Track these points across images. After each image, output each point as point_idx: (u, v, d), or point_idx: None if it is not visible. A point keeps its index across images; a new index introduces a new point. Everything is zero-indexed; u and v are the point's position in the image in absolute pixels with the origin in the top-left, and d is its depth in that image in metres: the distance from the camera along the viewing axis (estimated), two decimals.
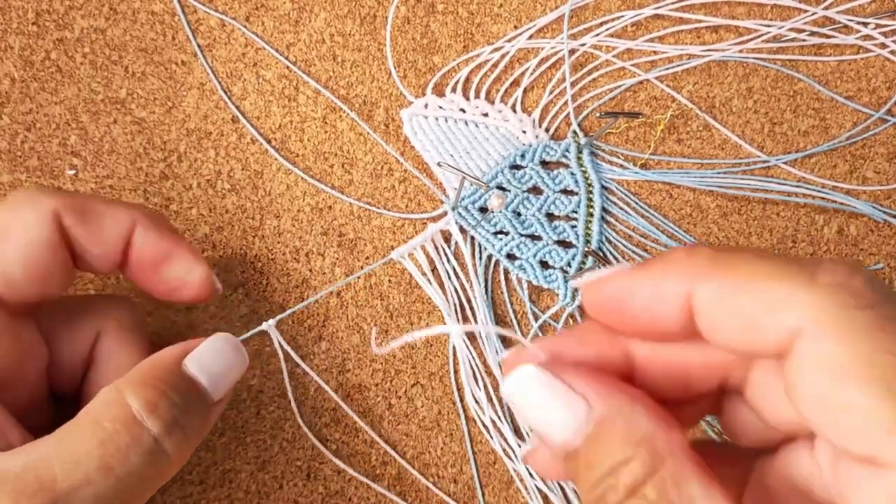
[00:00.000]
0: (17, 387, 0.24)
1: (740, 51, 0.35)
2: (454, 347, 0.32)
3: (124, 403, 0.23)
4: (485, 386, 0.31)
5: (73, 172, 0.33)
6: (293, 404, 0.31)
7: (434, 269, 0.32)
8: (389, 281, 0.33)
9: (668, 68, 0.35)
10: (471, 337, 0.32)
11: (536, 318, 0.33)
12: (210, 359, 0.25)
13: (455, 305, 0.32)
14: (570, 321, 0.33)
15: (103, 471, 0.22)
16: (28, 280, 0.25)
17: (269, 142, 0.33)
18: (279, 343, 0.29)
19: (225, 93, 0.34)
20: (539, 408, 0.19)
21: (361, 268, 0.33)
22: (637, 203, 0.34)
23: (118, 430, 0.22)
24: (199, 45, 0.34)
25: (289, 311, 0.27)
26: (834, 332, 0.16)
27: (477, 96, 0.34)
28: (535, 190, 0.34)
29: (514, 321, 0.33)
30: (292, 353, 0.30)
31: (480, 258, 0.33)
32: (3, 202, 0.25)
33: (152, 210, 0.28)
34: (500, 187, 0.33)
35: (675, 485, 0.17)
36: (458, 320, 0.32)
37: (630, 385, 0.19)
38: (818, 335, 0.16)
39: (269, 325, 0.27)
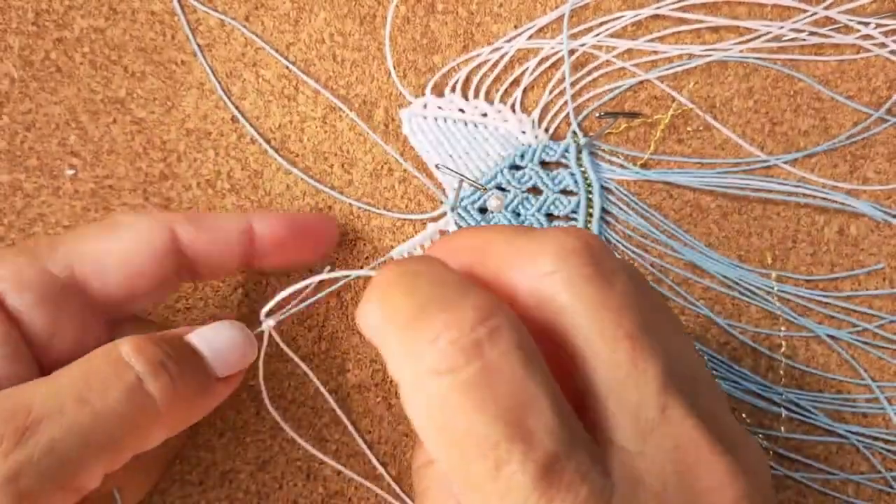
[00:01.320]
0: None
1: (741, 51, 0.35)
2: None
3: (114, 347, 0.23)
4: None
5: (72, 172, 0.33)
6: (274, 413, 0.31)
7: None
8: None
9: (668, 68, 0.35)
10: None
11: None
12: (214, 335, 0.25)
13: None
14: None
15: (79, 402, 0.21)
16: (122, 283, 0.25)
17: (268, 142, 0.33)
18: (274, 339, 0.29)
19: (224, 93, 0.34)
20: None
21: (361, 268, 0.33)
22: (637, 203, 0.34)
23: (101, 366, 0.22)
24: (198, 45, 0.34)
25: (291, 311, 0.27)
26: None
27: (476, 96, 0.34)
28: (535, 190, 0.34)
29: None
30: (292, 354, 0.30)
31: None
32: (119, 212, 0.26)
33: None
34: (499, 188, 0.33)
35: None
36: None
37: None
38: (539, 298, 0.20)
39: (267, 325, 0.27)
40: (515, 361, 0.18)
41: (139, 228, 0.25)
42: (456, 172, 0.32)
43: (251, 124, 0.33)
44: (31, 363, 0.23)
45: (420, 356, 0.18)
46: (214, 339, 0.25)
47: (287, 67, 0.34)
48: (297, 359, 0.30)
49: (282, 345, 0.28)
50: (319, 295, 0.28)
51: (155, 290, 0.26)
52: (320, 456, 0.31)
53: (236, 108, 0.33)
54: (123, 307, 0.26)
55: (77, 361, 0.23)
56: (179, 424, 0.24)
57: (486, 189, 0.32)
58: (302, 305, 0.27)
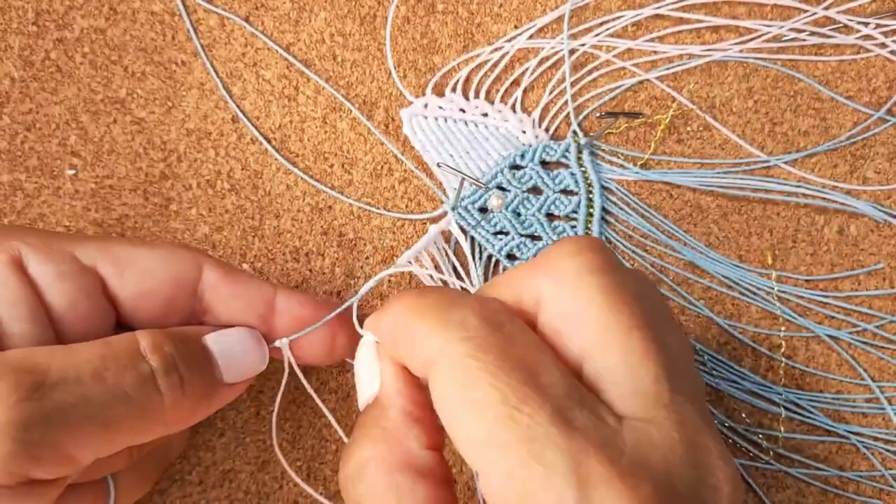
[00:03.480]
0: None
1: (740, 51, 0.35)
2: None
3: (133, 338, 0.24)
4: None
5: (72, 172, 0.33)
6: (272, 428, 0.31)
7: (437, 267, 0.32)
8: (389, 281, 0.33)
9: (668, 68, 0.35)
10: None
11: None
12: (229, 341, 0.26)
13: None
14: None
15: (95, 377, 0.22)
16: (135, 295, 0.25)
17: (268, 142, 0.33)
18: (291, 363, 0.28)
19: (226, 92, 0.34)
20: (360, 370, 0.25)
21: (361, 268, 0.33)
22: (637, 203, 0.34)
23: (119, 352, 0.23)
24: (200, 45, 0.34)
25: (307, 330, 0.27)
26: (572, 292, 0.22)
27: (477, 96, 0.34)
28: (535, 190, 0.34)
29: None
30: (298, 371, 0.30)
31: (480, 258, 0.33)
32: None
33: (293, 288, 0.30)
34: (499, 187, 0.33)
35: (390, 473, 0.22)
36: None
37: (411, 386, 0.24)
38: (554, 297, 0.22)
39: (282, 343, 0.27)
40: (529, 335, 0.22)
41: (170, 251, 0.26)
42: (457, 170, 0.32)
43: (252, 124, 0.33)
44: (49, 330, 0.24)
45: (451, 330, 0.21)
46: (229, 345, 0.26)
47: (288, 67, 0.34)
48: (296, 367, 0.30)
49: (293, 365, 0.28)
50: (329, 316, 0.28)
51: (161, 316, 0.26)
52: (307, 488, 0.31)
53: (237, 107, 0.33)
54: (128, 317, 0.26)
55: (95, 342, 0.23)
56: (179, 424, 0.25)
57: (487, 187, 0.32)
58: (316, 325, 0.27)
